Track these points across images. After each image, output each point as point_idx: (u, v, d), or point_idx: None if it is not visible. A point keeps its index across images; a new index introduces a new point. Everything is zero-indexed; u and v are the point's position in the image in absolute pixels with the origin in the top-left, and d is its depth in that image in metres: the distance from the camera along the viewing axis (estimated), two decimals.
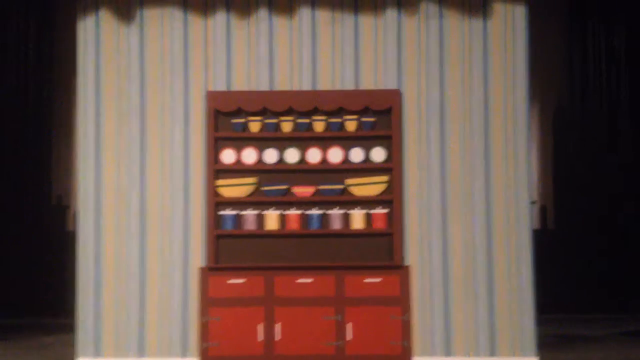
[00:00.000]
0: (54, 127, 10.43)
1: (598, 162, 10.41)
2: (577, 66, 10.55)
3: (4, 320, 9.39)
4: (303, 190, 6.71)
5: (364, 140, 6.74)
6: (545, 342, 7.61)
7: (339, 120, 6.74)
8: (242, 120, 6.74)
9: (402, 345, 6.54)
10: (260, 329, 6.54)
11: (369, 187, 6.70)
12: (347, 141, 6.75)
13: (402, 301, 6.57)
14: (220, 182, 6.70)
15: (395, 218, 6.62)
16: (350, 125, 6.73)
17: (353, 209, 6.71)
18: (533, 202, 6.86)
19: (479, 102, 6.73)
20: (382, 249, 6.69)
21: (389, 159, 6.71)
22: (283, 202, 6.71)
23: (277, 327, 6.53)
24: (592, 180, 10.38)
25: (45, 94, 10.42)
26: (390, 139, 6.70)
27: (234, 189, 6.71)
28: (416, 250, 6.65)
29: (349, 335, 6.53)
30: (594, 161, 10.42)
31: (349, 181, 6.71)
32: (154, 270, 6.67)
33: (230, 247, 6.70)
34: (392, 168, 6.67)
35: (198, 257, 6.66)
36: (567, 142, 10.55)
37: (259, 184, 6.75)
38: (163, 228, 6.69)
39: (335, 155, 6.73)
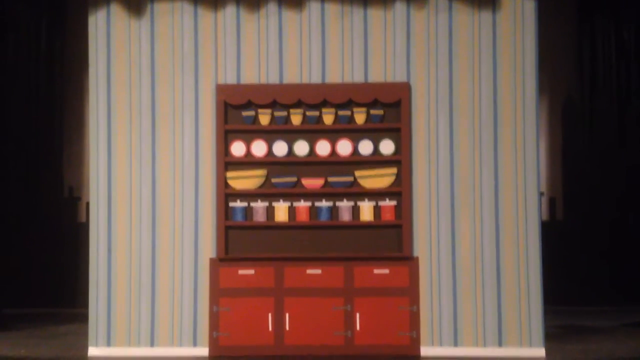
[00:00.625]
0: (65, 120, 10.49)
1: (606, 155, 10.43)
2: (586, 60, 10.55)
3: (17, 310, 9.46)
4: (312, 182, 6.77)
5: (373, 132, 6.78)
6: (552, 334, 7.65)
7: (348, 113, 6.78)
8: (252, 113, 6.79)
9: (410, 336, 6.60)
10: (270, 319, 6.61)
11: (377, 179, 6.75)
12: (356, 133, 6.80)
13: (410, 292, 6.63)
14: (230, 174, 6.76)
15: (404, 210, 6.67)
16: (359, 118, 6.78)
17: (362, 201, 6.76)
18: (541, 194, 6.88)
19: (487, 95, 6.76)
20: (391, 241, 6.74)
21: (397, 151, 6.75)
22: (292, 194, 6.76)
23: (287, 317, 6.60)
24: (601, 173, 10.40)
25: (57, 88, 10.48)
26: (399, 132, 6.74)
27: (244, 181, 6.77)
28: (424, 241, 6.70)
29: (358, 326, 6.59)
30: (603, 154, 10.43)
31: (358, 173, 6.76)
32: (165, 261, 6.74)
33: (240, 239, 6.75)
34: (400, 160, 6.71)
35: (209, 248, 6.73)
36: (576, 135, 10.57)
37: (268, 176, 6.80)
38: (174, 219, 6.75)
39: (344, 147, 6.78)
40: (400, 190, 6.70)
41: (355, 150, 6.78)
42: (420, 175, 6.74)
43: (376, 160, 6.76)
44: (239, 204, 6.75)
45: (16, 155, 10.27)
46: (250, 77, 6.82)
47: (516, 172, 6.73)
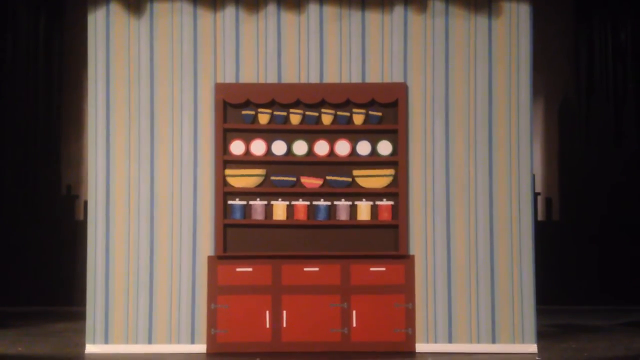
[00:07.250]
0: (63, 118, 10.52)
1: (603, 155, 10.48)
2: (583, 61, 10.60)
3: (15, 308, 9.49)
4: (311, 182, 6.81)
5: (371, 133, 6.82)
6: (548, 332, 7.70)
7: (346, 114, 6.82)
8: (252, 112, 6.82)
9: (405, 332, 6.65)
10: (268, 316, 6.66)
11: (375, 179, 6.80)
12: (354, 134, 6.84)
13: (406, 290, 6.68)
14: (229, 171, 6.79)
15: (400, 209, 6.72)
16: (358, 119, 6.82)
17: (359, 200, 6.80)
18: (537, 194, 6.94)
19: (483, 97, 6.82)
20: (388, 239, 6.78)
21: (395, 152, 6.80)
22: (291, 192, 6.81)
23: (284, 315, 6.65)
24: (597, 173, 10.45)
25: (55, 87, 10.52)
26: (396, 132, 6.79)
27: (243, 179, 6.80)
28: (420, 240, 6.76)
29: (354, 323, 6.64)
30: (599, 154, 10.49)
31: (356, 172, 6.81)
32: (163, 259, 6.77)
33: (238, 237, 6.79)
34: (397, 161, 6.75)
35: (207, 246, 6.77)
36: (572, 135, 10.62)
37: (267, 176, 6.84)
38: (172, 217, 6.79)
39: (342, 148, 6.82)
40: (397, 190, 6.74)
41: (354, 151, 6.83)
42: (416, 174, 6.79)
43: (374, 161, 6.80)
44: (237, 202, 6.79)
45: (14, 153, 10.30)
46: (249, 76, 6.87)
47: (510, 172, 6.78)
